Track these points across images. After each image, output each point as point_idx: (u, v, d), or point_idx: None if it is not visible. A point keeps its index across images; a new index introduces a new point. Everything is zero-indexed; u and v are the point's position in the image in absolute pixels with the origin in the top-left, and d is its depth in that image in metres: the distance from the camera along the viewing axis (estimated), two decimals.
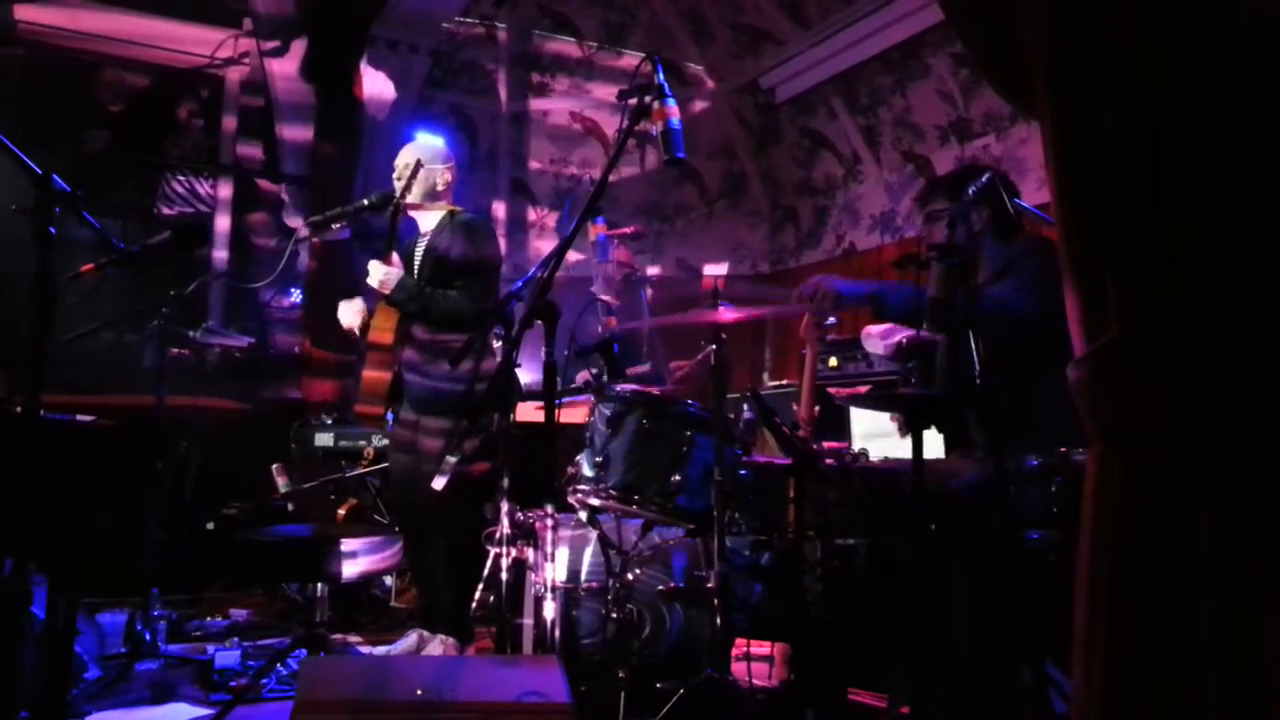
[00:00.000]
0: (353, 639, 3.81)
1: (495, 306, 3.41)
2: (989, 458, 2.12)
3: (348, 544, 2.88)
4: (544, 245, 6.82)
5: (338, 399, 5.76)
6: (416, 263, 3.52)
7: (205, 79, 5.92)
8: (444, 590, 3.46)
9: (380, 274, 3.41)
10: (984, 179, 2.39)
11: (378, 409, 3.51)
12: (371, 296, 3.58)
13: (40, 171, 1.75)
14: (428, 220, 3.59)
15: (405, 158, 3.55)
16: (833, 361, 4.43)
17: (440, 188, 3.55)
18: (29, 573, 1.91)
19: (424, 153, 3.53)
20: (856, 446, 3.80)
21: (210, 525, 4.45)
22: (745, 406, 2.89)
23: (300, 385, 5.83)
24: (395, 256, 3.48)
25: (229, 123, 6.03)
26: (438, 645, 3.39)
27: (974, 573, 2.25)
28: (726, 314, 2.58)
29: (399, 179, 3.50)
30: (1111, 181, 0.99)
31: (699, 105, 6.92)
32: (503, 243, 5.61)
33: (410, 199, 3.48)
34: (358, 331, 3.54)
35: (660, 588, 2.76)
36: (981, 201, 2.51)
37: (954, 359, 2.64)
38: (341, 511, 4.43)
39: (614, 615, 2.62)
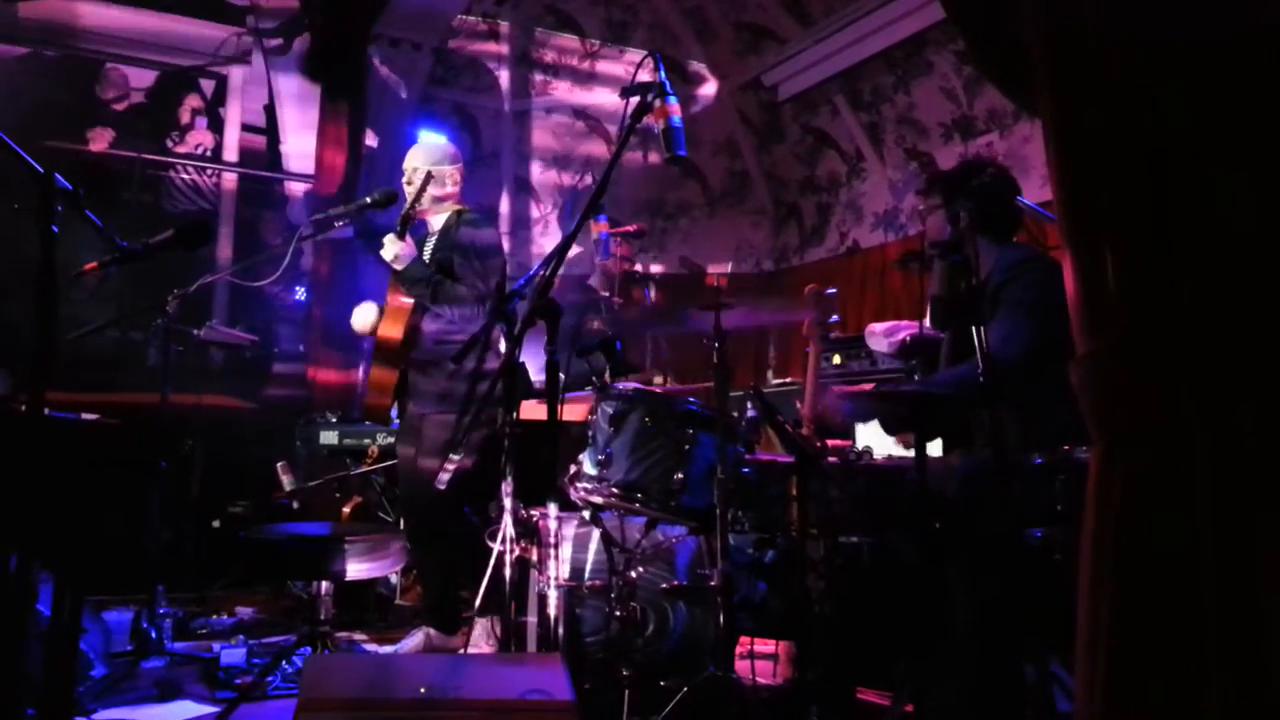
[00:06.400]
0: (358, 637, 3.82)
1: (497, 294, 3.52)
2: (989, 448, 2.11)
3: (352, 542, 2.89)
4: (547, 243, 6.84)
5: (343, 397, 5.77)
6: (425, 260, 3.60)
7: (209, 77, 5.92)
8: (429, 581, 3.51)
9: (395, 249, 3.49)
10: (985, 176, 2.38)
11: (385, 401, 3.57)
12: (382, 297, 3.64)
13: (42, 170, 1.75)
14: (437, 220, 3.68)
15: (414, 162, 3.63)
16: (836, 359, 4.42)
17: (450, 189, 3.65)
18: (34, 570, 1.91)
19: (432, 157, 3.62)
20: (860, 444, 3.79)
21: (216, 523, 4.47)
22: (749, 404, 2.88)
23: (305, 383, 5.83)
24: (409, 238, 3.55)
25: (232, 121, 6.03)
26: (420, 636, 3.42)
27: (975, 570, 2.25)
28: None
29: (409, 184, 3.59)
30: (1113, 179, 0.99)
31: (701, 103, 6.91)
32: (506, 241, 5.61)
33: (422, 205, 3.56)
34: (368, 334, 3.62)
35: (664, 586, 2.76)
36: (968, 198, 2.51)
37: (955, 357, 2.64)
38: (346, 510, 4.44)
39: (617, 613, 2.61)
